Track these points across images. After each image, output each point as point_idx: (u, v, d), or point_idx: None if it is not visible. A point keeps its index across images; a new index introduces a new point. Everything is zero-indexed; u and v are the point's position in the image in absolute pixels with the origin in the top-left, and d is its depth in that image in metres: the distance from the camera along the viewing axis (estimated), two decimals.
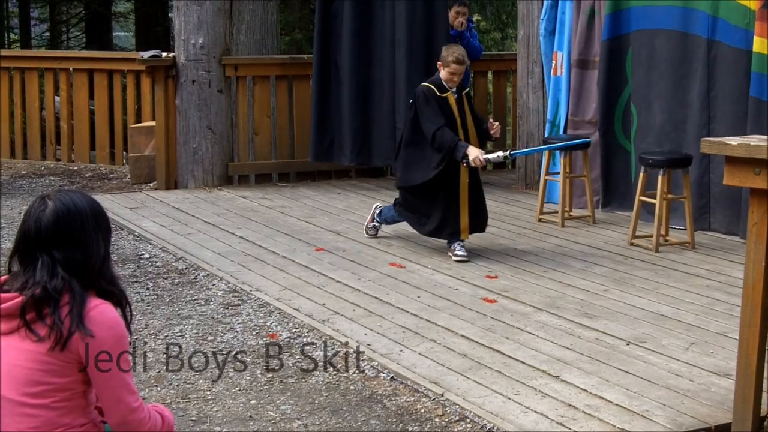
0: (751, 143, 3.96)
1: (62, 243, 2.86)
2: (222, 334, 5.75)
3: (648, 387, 4.88)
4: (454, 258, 7.27)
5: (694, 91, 8.23)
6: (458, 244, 7.31)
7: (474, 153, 7.03)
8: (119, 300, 2.98)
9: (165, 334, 5.76)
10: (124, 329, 2.91)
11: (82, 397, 2.90)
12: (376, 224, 7.97)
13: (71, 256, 2.86)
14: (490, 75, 11.95)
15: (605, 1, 8.79)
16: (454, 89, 7.26)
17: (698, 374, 5.05)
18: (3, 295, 2.85)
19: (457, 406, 4.68)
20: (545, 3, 9.44)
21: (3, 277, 2.94)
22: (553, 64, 9.41)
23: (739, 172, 4.02)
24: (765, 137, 4.11)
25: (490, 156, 7.18)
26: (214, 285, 6.76)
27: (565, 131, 9.21)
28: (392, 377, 5.09)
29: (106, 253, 2.96)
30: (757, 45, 7.59)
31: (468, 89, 7.64)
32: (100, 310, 2.86)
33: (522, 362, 5.23)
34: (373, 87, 9.98)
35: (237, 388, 4.97)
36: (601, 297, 6.39)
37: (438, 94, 7.22)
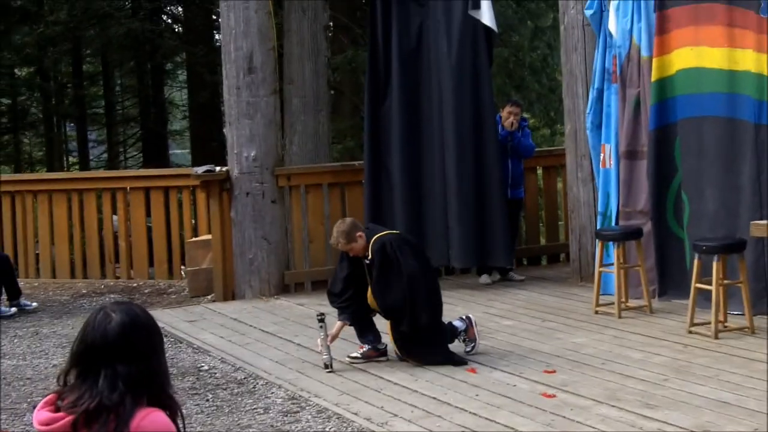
0: None
1: (128, 357, 2.77)
2: None
3: None
4: None
5: (744, 176, 8.21)
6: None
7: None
8: (174, 411, 2.88)
9: None
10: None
11: None
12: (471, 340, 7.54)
13: (135, 370, 2.77)
14: (540, 170, 12.01)
15: (650, 92, 8.85)
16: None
17: None
18: (52, 415, 2.76)
19: None
20: (590, 97, 9.53)
21: (51, 396, 2.83)
22: (602, 157, 9.45)
23: None
24: None
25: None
26: (272, 393, 6.79)
27: (617, 222, 9.19)
28: None
29: (166, 367, 2.92)
30: None
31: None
32: (151, 419, 2.82)
33: None
34: (424, 189, 10.07)
35: None
36: (661, 387, 6.31)
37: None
